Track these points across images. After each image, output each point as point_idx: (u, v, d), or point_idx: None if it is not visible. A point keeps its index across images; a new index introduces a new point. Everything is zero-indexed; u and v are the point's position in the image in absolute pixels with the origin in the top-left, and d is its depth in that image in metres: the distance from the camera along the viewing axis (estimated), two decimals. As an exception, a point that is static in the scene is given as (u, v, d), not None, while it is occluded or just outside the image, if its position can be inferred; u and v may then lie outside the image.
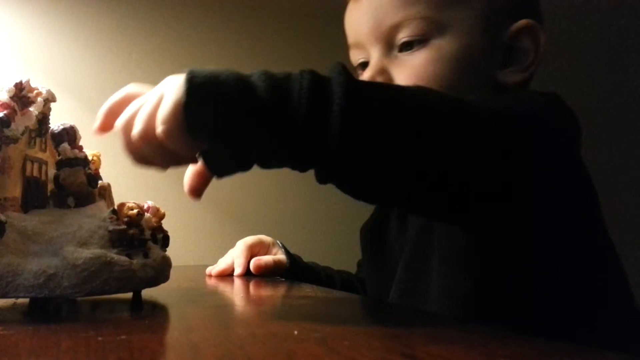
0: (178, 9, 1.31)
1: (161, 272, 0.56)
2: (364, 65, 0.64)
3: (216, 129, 0.43)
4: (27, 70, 1.17)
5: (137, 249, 0.54)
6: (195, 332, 0.43)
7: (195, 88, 0.42)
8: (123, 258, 0.51)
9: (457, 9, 0.59)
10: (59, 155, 0.56)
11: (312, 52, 1.42)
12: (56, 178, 0.55)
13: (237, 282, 0.83)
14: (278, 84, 0.43)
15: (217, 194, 1.34)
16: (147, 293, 0.57)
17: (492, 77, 0.61)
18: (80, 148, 0.57)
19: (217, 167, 0.48)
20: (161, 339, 0.42)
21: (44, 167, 0.55)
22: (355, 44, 0.64)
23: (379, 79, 0.60)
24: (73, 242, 0.50)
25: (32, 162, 0.54)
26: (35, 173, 0.54)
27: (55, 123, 0.57)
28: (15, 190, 0.53)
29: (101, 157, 0.62)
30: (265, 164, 0.46)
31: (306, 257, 1.38)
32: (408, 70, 0.59)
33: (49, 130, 0.57)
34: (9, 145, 0.51)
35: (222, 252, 1.33)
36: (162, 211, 0.61)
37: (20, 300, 0.53)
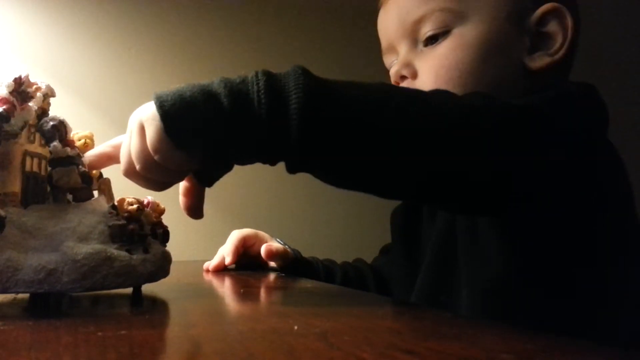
0: (178, 4, 1.31)
1: (161, 267, 0.56)
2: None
3: (196, 138, 0.47)
4: (27, 65, 1.17)
5: (137, 244, 0.54)
6: (196, 327, 0.43)
7: (167, 112, 0.47)
8: (123, 253, 0.51)
9: None
10: (50, 153, 0.54)
11: (312, 49, 1.41)
12: (49, 178, 0.54)
13: (237, 278, 0.83)
14: (237, 89, 0.47)
15: (217, 190, 1.34)
16: (147, 288, 0.57)
17: (520, 62, 0.60)
18: (72, 143, 0.56)
19: (204, 176, 0.58)
20: (161, 334, 0.42)
21: (43, 162, 0.55)
22: (387, 48, 0.67)
23: (404, 72, 0.62)
24: (73, 238, 0.50)
25: (32, 157, 0.54)
26: (35, 168, 0.54)
27: (44, 118, 0.55)
28: (14, 185, 0.52)
29: (94, 139, 0.61)
30: (240, 161, 0.50)
31: (306, 252, 1.39)
32: (431, 61, 0.60)
33: (39, 127, 0.55)
34: (8, 141, 0.51)
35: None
36: (162, 206, 0.61)
37: (20, 295, 0.53)
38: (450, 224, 0.64)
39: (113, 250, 0.51)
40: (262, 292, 0.68)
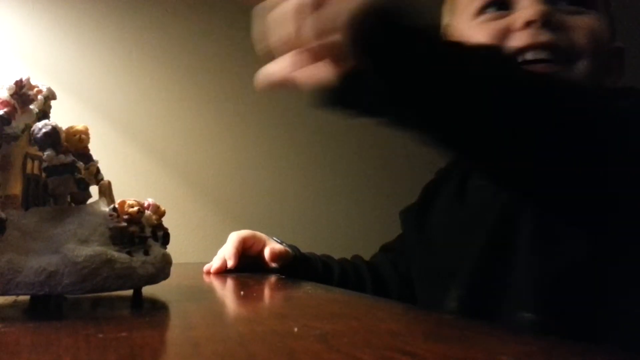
0: (179, 7, 1.31)
1: (161, 269, 0.56)
2: (493, 4, 0.61)
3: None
4: (28, 68, 1.17)
5: (138, 247, 0.54)
6: (196, 329, 0.43)
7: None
8: (123, 255, 0.51)
9: None
10: (44, 161, 0.52)
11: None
12: (45, 187, 0.53)
13: (237, 280, 0.83)
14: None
15: (217, 192, 1.34)
16: (147, 290, 0.57)
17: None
18: (66, 150, 0.53)
19: (351, 94, 0.48)
20: (162, 336, 0.42)
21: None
22: None
23: (551, 18, 0.57)
24: (74, 240, 0.50)
25: (33, 159, 0.54)
26: (36, 170, 0.54)
27: (36, 124, 0.52)
28: (15, 187, 0.53)
29: (89, 132, 0.58)
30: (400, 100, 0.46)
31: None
32: (585, 21, 0.60)
33: (31, 134, 0.52)
34: (9, 143, 0.51)
35: (222, 250, 1.33)
36: (163, 209, 0.61)
37: (21, 297, 0.53)
38: (506, 213, 0.61)
39: (113, 252, 0.51)
40: (262, 294, 0.68)
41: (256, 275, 0.87)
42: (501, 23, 0.59)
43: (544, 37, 0.57)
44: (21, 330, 0.42)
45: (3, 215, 0.49)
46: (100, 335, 0.38)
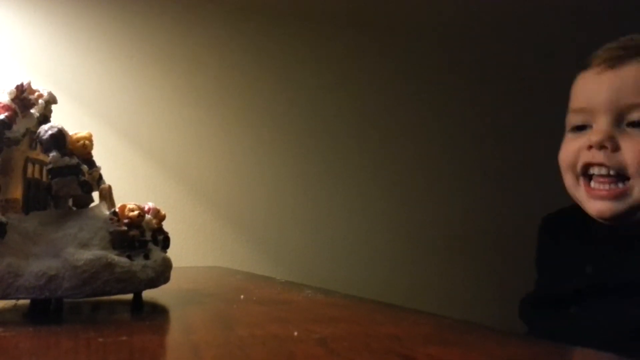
0: (179, 13, 1.32)
1: (162, 273, 0.56)
2: (580, 128, 0.71)
3: None
4: (29, 73, 1.17)
5: (138, 251, 0.54)
6: (196, 333, 0.43)
7: None
8: (124, 259, 0.51)
9: None
10: (49, 163, 0.53)
11: (315, 57, 1.42)
12: (49, 188, 0.53)
13: (237, 284, 0.83)
14: None
15: (217, 196, 1.34)
16: (147, 294, 0.57)
17: None
18: (71, 152, 0.54)
19: None
20: (162, 340, 0.42)
21: (44, 169, 0.56)
22: (582, 109, 0.72)
23: (607, 144, 0.66)
24: (74, 244, 0.50)
25: (33, 163, 0.54)
26: (37, 175, 0.54)
27: (42, 127, 0.53)
28: (16, 191, 0.53)
29: (92, 139, 0.59)
30: None
31: (305, 258, 1.39)
32: (638, 144, 0.66)
33: (37, 135, 0.53)
34: (10, 147, 0.52)
35: (222, 254, 1.33)
36: (163, 213, 0.61)
37: (21, 301, 0.53)
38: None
39: (114, 256, 0.51)
40: (262, 298, 0.68)
41: (256, 278, 0.87)
42: (579, 142, 0.70)
43: (598, 158, 0.67)
44: (21, 334, 0.42)
45: (3, 219, 0.49)
46: (100, 339, 0.38)
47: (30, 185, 0.53)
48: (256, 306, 0.61)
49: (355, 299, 0.67)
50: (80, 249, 0.50)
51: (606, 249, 0.67)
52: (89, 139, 0.57)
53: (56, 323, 0.46)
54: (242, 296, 0.66)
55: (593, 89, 0.70)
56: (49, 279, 0.48)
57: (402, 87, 1.48)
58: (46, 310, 0.50)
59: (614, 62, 0.69)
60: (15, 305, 0.54)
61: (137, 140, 1.25)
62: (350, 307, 0.61)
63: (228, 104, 1.34)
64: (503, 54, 1.53)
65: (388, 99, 1.47)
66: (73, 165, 0.53)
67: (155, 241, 0.58)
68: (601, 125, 0.68)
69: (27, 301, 0.52)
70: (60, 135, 0.53)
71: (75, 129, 0.57)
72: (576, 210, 0.71)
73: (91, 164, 0.57)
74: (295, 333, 0.40)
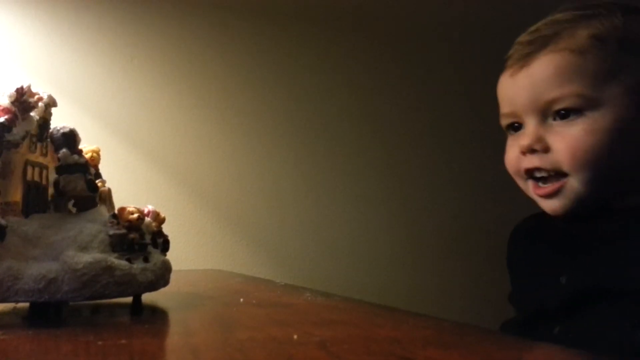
0: (180, 14, 1.32)
1: (161, 276, 0.56)
2: (515, 127, 0.69)
3: None
4: (28, 75, 1.17)
5: (138, 253, 0.54)
6: (195, 336, 0.43)
7: None
8: (123, 262, 0.51)
9: (608, 86, 0.62)
10: (59, 160, 0.55)
11: (316, 61, 1.42)
12: (56, 184, 0.55)
13: (237, 287, 0.83)
14: None
15: (217, 199, 1.34)
16: (147, 297, 0.57)
17: None
18: (80, 152, 0.57)
19: None
20: (161, 343, 0.42)
21: (44, 172, 0.56)
22: (509, 114, 0.70)
23: (537, 147, 0.64)
24: (73, 247, 0.50)
25: (33, 166, 0.54)
26: (36, 178, 0.54)
27: (55, 127, 0.56)
28: (16, 194, 0.53)
29: (100, 153, 0.62)
30: None
31: (305, 261, 1.39)
32: (566, 139, 0.63)
33: (49, 134, 0.56)
34: (10, 150, 0.52)
35: (222, 257, 1.33)
36: (163, 216, 0.61)
37: (21, 304, 0.53)
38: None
39: (113, 259, 0.51)
40: (262, 301, 0.68)
41: (256, 281, 0.87)
42: (516, 146, 0.67)
43: (534, 162, 0.65)
44: (20, 337, 0.42)
45: (3, 221, 0.49)
46: (100, 343, 0.38)
47: (30, 188, 0.54)
48: (256, 309, 0.61)
49: (355, 301, 0.67)
50: (79, 252, 0.50)
51: (578, 254, 0.64)
52: (97, 152, 0.61)
53: (55, 326, 0.46)
54: (241, 299, 0.66)
55: (512, 93, 0.68)
56: (49, 282, 0.48)
57: (403, 90, 1.49)
58: (45, 313, 0.50)
59: (524, 60, 0.66)
60: (14, 309, 0.54)
61: (137, 142, 1.25)
62: (350, 310, 0.61)
63: (229, 107, 1.34)
64: (504, 56, 1.53)
65: (389, 103, 1.47)
66: (81, 163, 0.55)
67: (154, 244, 0.58)
68: (528, 128, 0.66)
69: (26, 304, 0.52)
70: (71, 135, 0.56)
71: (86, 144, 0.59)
72: (543, 215, 0.68)
73: (97, 175, 0.60)
74: (295, 336, 0.40)
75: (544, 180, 0.64)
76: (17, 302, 0.50)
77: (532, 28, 0.67)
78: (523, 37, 0.68)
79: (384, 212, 1.43)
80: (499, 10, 1.50)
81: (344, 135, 1.43)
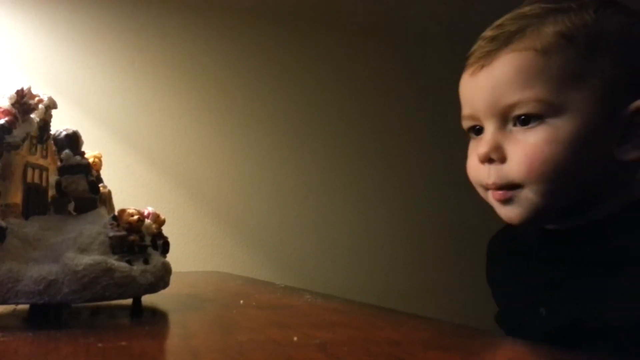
0: (181, 18, 1.32)
1: (161, 278, 0.56)
2: (477, 131, 0.65)
3: None
4: (29, 77, 1.17)
5: (138, 255, 0.54)
6: (195, 338, 0.43)
7: None
8: (123, 264, 0.51)
9: (574, 91, 0.58)
10: (60, 161, 0.56)
11: (317, 64, 1.42)
12: (58, 185, 0.55)
13: (237, 289, 0.83)
14: None
15: (217, 200, 1.34)
16: (147, 299, 0.57)
17: (610, 153, 0.59)
18: (83, 154, 0.57)
19: None
20: (161, 345, 0.42)
21: (44, 174, 0.56)
22: (469, 116, 0.65)
23: (494, 156, 0.60)
24: (73, 249, 0.50)
25: (33, 168, 0.54)
26: (36, 179, 0.54)
27: (58, 129, 0.57)
28: (16, 196, 0.53)
29: (102, 158, 0.63)
30: None
31: (305, 262, 1.39)
32: (524, 149, 0.59)
33: (52, 135, 0.57)
34: (10, 152, 0.52)
35: (222, 259, 1.33)
36: (163, 217, 0.61)
37: (21, 306, 0.53)
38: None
39: (113, 261, 0.51)
40: (262, 303, 0.68)
41: (256, 283, 0.87)
42: (476, 153, 0.64)
43: (489, 177, 0.61)
44: (20, 339, 0.42)
45: (3, 223, 0.49)
46: (100, 345, 0.38)
47: (30, 190, 0.54)
48: (256, 311, 0.61)
49: (355, 303, 0.67)
50: (79, 254, 0.50)
51: (556, 285, 0.59)
52: (99, 157, 0.62)
53: (55, 328, 0.46)
54: (241, 301, 0.66)
55: (472, 94, 0.63)
56: (49, 284, 0.48)
57: (403, 90, 1.49)
58: (45, 315, 0.50)
59: (485, 59, 0.61)
60: (14, 310, 0.54)
61: (137, 144, 1.25)
62: (350, 312, 0.60)
63: (229, 109, 1.34)
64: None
65: (389, 103, 1.47)
66: (84, 164, 0.56)
67: (154, 246, 0.58)
68: (487, 134, 0.61)
69: (26, 306, 0.52)
70: (74, 136, 0.57)
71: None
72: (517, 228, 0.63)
73: (99, 180, 0.60)
74: (295, 338, 0.40)
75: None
76: (17, 303, 0.50)
77: (497, 22, 0.62)
78: (487, 32, 0.63)
79: (384, 212, 1.43)
80: (499, 10, 1.50)
81: (344, 137, 1.43)
